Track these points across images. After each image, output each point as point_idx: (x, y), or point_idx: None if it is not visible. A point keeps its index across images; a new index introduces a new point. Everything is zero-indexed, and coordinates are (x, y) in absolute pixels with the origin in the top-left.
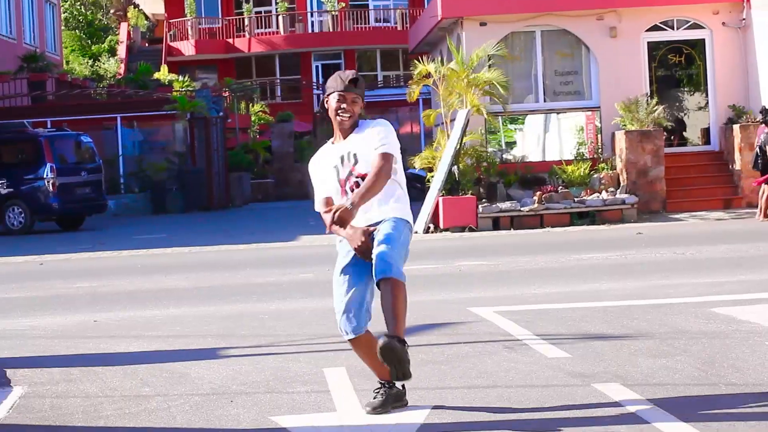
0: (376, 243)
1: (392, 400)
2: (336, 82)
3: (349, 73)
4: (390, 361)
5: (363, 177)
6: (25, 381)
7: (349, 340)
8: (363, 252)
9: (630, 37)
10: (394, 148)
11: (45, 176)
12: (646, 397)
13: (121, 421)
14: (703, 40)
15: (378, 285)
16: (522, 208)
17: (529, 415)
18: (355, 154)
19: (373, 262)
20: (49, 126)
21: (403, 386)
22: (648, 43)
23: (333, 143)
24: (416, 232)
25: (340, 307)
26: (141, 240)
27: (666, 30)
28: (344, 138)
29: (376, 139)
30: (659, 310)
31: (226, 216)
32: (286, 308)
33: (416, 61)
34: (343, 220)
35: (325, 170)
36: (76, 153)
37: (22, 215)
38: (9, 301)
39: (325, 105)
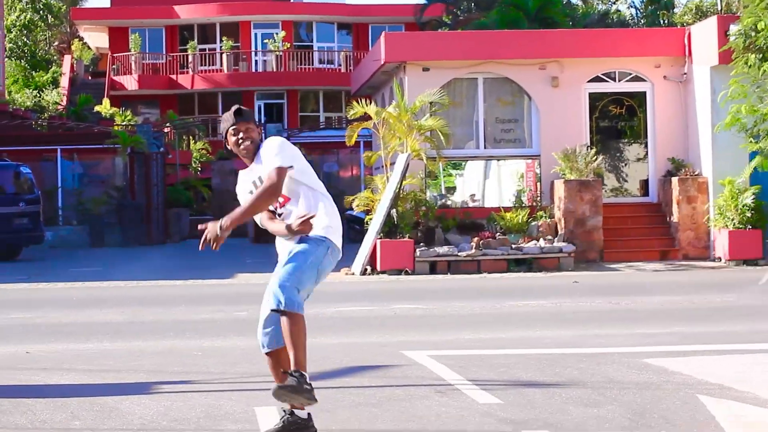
0: (280, 265)
1: (293, 428)
2: (225, 121)
3: (233, 108)
4: (288, 400)
5: (283, 197)
6: None
7: (265, 353)
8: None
9: (572, 88)
10: (288, 159)
11: None
12: None
13: None
14: (645, 92)
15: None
16: (459, 253)
17: None
18: (260, 177)
19: (271, 288)
20: None
21: (308, 415)
22: (589, 93)
23: (243, 171)
24: (352, 274)
25: (260, 320)
26: (77, 272)
27: (608, 81)
28: (251, 162)
29: (267, 157)
30: (592, 359)
31: (163, 251)
32: (219, 345)
33: (355, 103)
34: (215, 241)
35: (246, 196)
36: (15, 183)
37: None
38: None
39: (228, 146)
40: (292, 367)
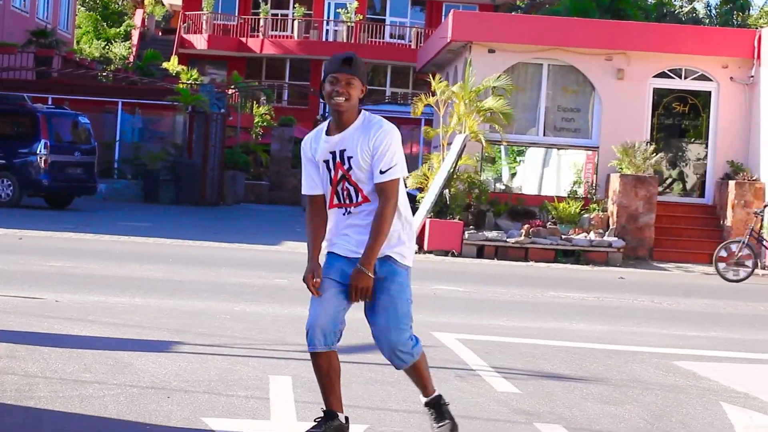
0: (378, 310)
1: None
2: (330, 64)
3: (343, 53)
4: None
5: (356, 186)
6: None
7: (312, 352)
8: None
9: (637, 81)
10: (402, 167)
11: (38, 152)
12: None
13: (51, 404)
14: (710, 92)
15: None
16: (508, 239)
17: None
18: (350, 158)
19: (378, 342)
20: (50, 103)
21: (346, 419)
22: (654, 88)
23: (327, 134)
24: None
25: (310, 318)
26: (125, 227)
27: (674, 78)
28: (340, 130)
29: (383, 155)
30: (620, 357)
31: (215, 213)
32: (250, 311)
33: (431, 76)
34: (367, 291)
35: (316, 160)
36: (72, 132)
37: (11, 188)
38: None
39: (323, 92)
40: (431, 397)
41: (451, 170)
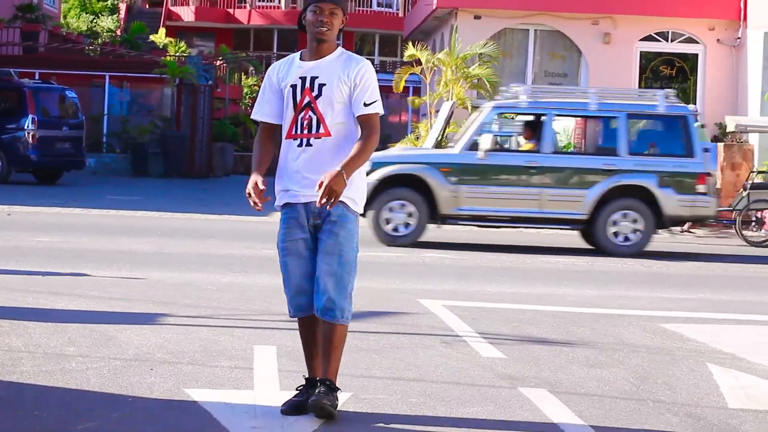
0: (321, 256)
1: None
2: None
3: None
4: (320, 416)
5: (320, 116)
6: None
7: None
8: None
9: (624, 45)
10: (381, 104)
11: (26, 127)
12: (570, 407)
13: (34, 378)
14: (697, 55)
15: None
16: None
17: (445, 411)
18: (322, 86)
19: (317, 286)
20: (36, 78)
21: (329, 385)
22: (641, 52)
23: (301, 59)
24: None
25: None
26: (115, 201)
27: (660, 41)
28: (315, 58)
29: (367, 89)
30: (608, 320)
31: (204, 185)
32: (237, 282)
33: (410, 44)
34: (337, 197)
35: (282, 86)
36: (59, 107)
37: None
38: None
39: (303, 21)
40: (325, 376)
41: (439, 137)
